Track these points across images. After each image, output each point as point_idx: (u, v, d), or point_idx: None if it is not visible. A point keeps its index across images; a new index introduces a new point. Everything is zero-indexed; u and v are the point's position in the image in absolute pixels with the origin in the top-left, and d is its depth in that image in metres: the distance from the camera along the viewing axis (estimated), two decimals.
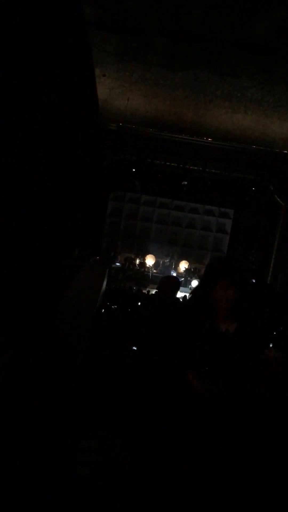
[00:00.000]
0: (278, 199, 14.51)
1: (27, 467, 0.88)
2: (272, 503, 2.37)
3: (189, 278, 15.45)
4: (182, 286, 15.04)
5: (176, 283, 4.35)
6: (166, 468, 2.35)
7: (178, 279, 4.75)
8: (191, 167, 14.46)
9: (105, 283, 2.11)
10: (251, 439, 2.51)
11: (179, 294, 13.81)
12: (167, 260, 16.05)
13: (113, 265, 15.06)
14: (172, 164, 14.37)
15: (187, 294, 13.17)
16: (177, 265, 15.97)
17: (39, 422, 1.03)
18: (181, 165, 14.28)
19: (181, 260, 16.31)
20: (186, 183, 15.58)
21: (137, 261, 16.34)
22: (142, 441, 2.46)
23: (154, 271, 15.86)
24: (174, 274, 15.16)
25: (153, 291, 12.75)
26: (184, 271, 15.90)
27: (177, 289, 4.32)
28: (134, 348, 5.28)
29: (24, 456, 0.91)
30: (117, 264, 15.72)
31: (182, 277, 15.42)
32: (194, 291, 2.61)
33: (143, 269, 15.69)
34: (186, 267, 16.08)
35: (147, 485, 1.74)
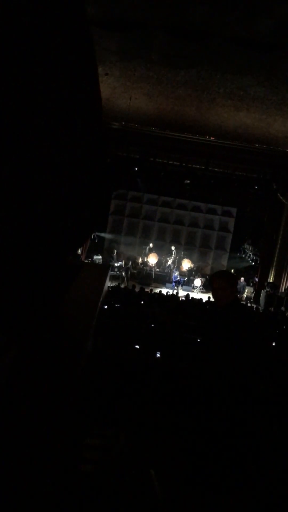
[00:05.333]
0: (281, 197, 14.49)
1: (31, 463, 0.88)
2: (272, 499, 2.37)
3: (191, 277, 15.41)
4: (185, 285, 15.02)
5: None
6: (167, 464, 2.35)
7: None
8: (193, 166, 14.43)
9: (107, 281, 2.11)
10: (251, 434, 2.51)
11: (183, 293, 13.64)
12: (170, 259, 16.00)
13: (116, 264, 15.06)
14: (175, 162, 14.35)
15: (189, 293, 13.17)
16: (179, 263, 15.93)
17: (43, 419, 1.03)
18: (183, 164, 14.26)
19: (184, 259, 16.27)
20: (188, 181, 15.56)
21: (140, 260, 16.32)
22: (146, 439, 2.47)
23: (156, 269, 15.84)
24: (177, 273, 15.14)
25: (157, 290, 12.73)
26: (187, 269, 15.85)
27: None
28: (137, 346, 5.28)
29: (29, 453, 0.92)
30: (120, 262, 15.71)
31: (185, 276, 15.39)
32: None
33: (146, 268, 15.68)
34: (189, 265, 16.02)
35: (149, 480, 1.75)
